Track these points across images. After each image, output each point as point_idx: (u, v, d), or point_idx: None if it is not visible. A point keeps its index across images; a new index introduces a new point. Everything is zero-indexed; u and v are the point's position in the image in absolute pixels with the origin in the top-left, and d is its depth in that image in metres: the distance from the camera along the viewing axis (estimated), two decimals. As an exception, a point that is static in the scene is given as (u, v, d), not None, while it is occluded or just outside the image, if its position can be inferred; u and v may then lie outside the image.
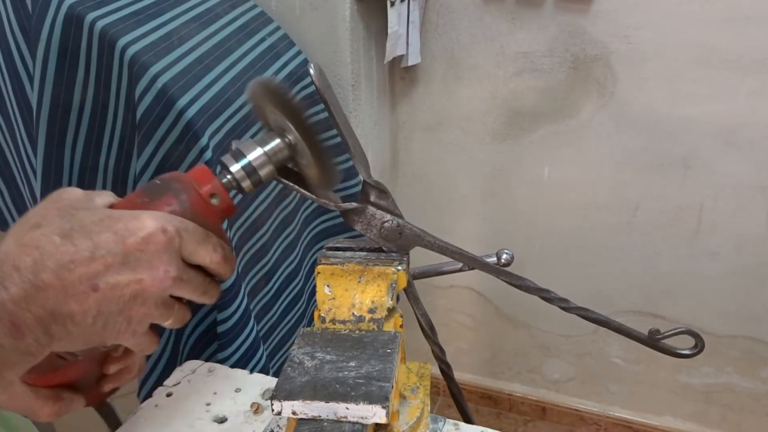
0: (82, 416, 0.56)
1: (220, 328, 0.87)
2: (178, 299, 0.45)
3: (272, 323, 1.06)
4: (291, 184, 0.51)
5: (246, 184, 0.48)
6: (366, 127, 1.28)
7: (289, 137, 0.48)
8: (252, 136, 0.94)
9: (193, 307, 0.47)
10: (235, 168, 0.47)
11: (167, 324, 0.45)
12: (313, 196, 0.51)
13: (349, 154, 0.51)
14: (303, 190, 0.51)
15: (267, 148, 0.48)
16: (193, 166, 0.84)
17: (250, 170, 0.48)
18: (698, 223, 1.34)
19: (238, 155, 0.48)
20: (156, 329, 0.46)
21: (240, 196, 0.51)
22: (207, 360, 0.70)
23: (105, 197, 0.45)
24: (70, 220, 0.41)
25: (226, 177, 0.48)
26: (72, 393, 0.48)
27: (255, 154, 0.48)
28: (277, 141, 0.49)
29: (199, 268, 0.45)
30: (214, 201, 0.46)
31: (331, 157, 0.48)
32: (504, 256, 0.57)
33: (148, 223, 0.41)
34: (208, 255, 0.45)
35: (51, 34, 0.81)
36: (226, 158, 0.48)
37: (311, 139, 0.48)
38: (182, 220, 0.44)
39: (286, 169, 0.52)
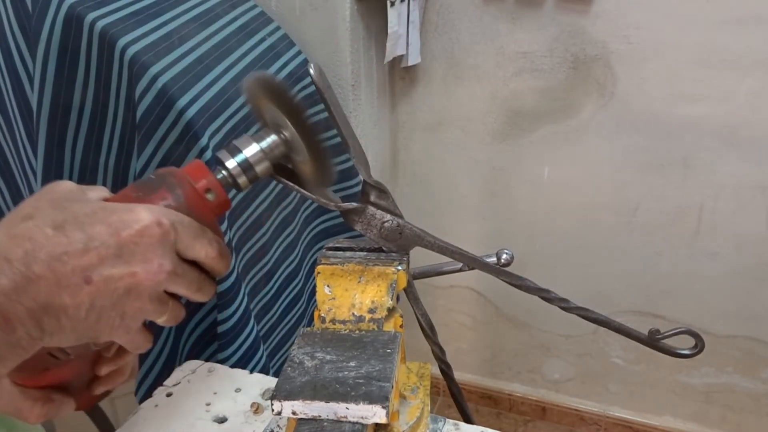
0: (84, 417, 0.56)
1: (220, 328, 0.87)
2: (173, 296, 0.44)
3: (272, 323, 1.06)
4: (291, 184, 0.51)
5: (242, 180, 0.48)
6: (366, 127, 1.28)
7: (285, 133, 0.48)
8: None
9: (190, 305, 0.47)
10: (231, 164, 0.47)
11: (161, 321, 0.44)
12: (313, 196, 0.51)
13: (349, 154, 0.51)
14: (303, 191, 0.51)
15: (263, 143, 0.48)
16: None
17: (246, 166, 0.47)
18: (698, 223, 1.34)
19: (234, 151, 0.47)
20: (150, 327, 0.46)
21: (236, 192, 0.50)
22: (207, 360, 0.70)
23: (98, 191, 0.44)
24: (62, 211, 0.40)
25: (221, 172, 0.47)
26: (62, 395, 0.47)
27: (251, 150, 0.48)
28: (273, 137, 0.48)
29: (194, 264, 0.44)
30: (209, 196, 0.46)
31: (328, 155, 0.48)
32: (504, 256, 0.57)
33: (143, 215, 0.41)
34: (203, 249, 0.44)
35: (51, 34, 0.81)
36: (222, 154, 0.48)
37: (307, 136, 0.47)
38: (177, 214, 0.43)
39: (286, 168, 0.52)
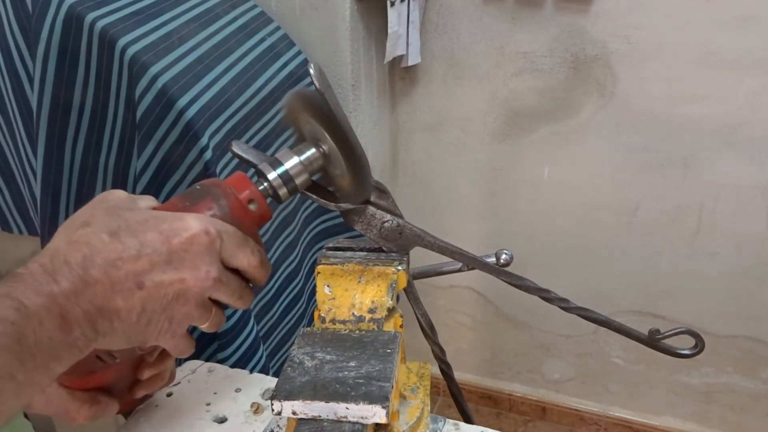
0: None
1: (220, 328, 0.87)
2: (215, 303, 0.46)
3: (272, 323, 1.06)
4: (314, 196, 0.51)
5: (282, 191, 0.49)
6: (366, 127, 1.28)
7: (324, 147, 0.49)
8: (248, 140, 0.94)
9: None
10: (272, 175, 0.49)
11: (204, 327, 0.46)
12: (313, 196, 0.51)
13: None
14: (312, 195, 0.51)
15: (303, 157, 0.49)
16: (194, 167, 0.84)
17: (286, 178, 0.49)
18: (698, 223, 1.34)
19: (275, 163, 0.49)
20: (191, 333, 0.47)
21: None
22: (207, 360, 0.70)
23: (147, 201, 0.46)
24: (117, 219, 0.42)
25: (263, 184, 0.49)
26: (108, 397, 0.49)
27: (291, 163, 0.49)
28: (313, 150, 0.50)
29: (236, 273, 0.46)
30: (251, 207, 0.48)
31: (366, 168, 0.49)
32: (503, 256, 0.57)
33: (193, 224, 0.43)
34: (246, 258, 0.46)
35: (51, 34, 0.81)
36: (264, 166, 0.49)
37: (346, 150, 0.48)
38: (223, 223, 0.45)
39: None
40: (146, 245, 0.41)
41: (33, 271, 0.38)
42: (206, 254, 0.43)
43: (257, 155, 0.52)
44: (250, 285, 0.48)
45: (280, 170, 0.49)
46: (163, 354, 0.52)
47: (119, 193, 0.45)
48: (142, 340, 0.43)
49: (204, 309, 0.45)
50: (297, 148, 0.50)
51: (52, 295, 0.37)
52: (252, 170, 0.51)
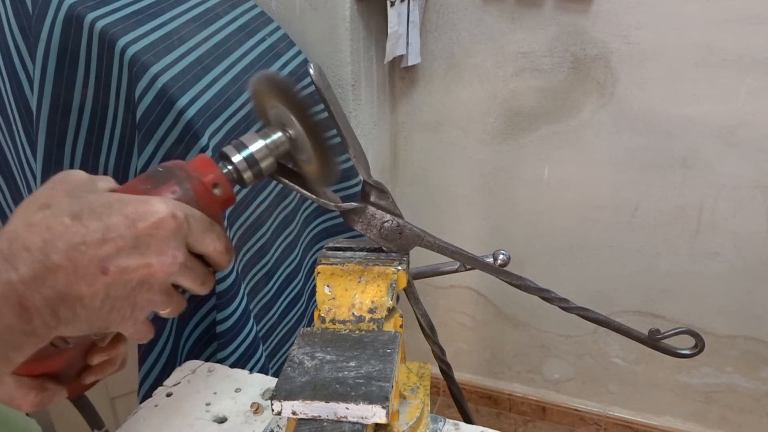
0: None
1: (219, 328, 0.87)
2: (177, 288, 0.45)
3: (272, 323, 1.06)
4: (291, 184, 0.51)
5: (247, 175, 0.48)
6: (366, 127, 1.28)
7: (290, 131, 0.49)
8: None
9: (191, 305, 0.47)
10: (237, 158, 0.48)
11: (165, 313, 0.45)
12: (313, 196, 0.51)
13: (349, 154, 0.51)
14: (303, 190, 0.51)
15: (268, 140, 0.49)
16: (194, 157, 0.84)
17: (251, 161, 0.48)
18: (698, 223, 1.34)
19: (240, 146, 0.48)
20: (153, 323, 0.46)
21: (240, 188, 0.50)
22: (207, 360, 0.70)
23: (107, 182, 0.44)
24: (79, 201, 0.40)
25: (227, 167, 0.48)
26: (56, 384, 0.47)
27: (257, 146, 0.48)
28: (279, 134, 0.49)
29: (199, 258, 0.45)
30: (216, 191, 0.46)
31: (332, 153, 0.48)
32: (500, 257, 0.57)
33: (159, 207, 0.41)
34: (212, 243, 0.44)
35: (51, 34, 0.81)
36: (228, 149, 0.48)
37: (312, 134, 0.48)
38: (189, 207, 0.43)
39: (287, 169, 0.52)
40: (111, 229, 0.39)
41: None
42: (173, 239, 0.41)
43: None
44: (213, 270, 0.47)
45: (245, 153, 0.48)
46: (116, 339, 0.50)
47: (79, 174, 0.43)
48: (104, 327, 0.42)
49: (167, 295, 0.43)
50: (263, 132, 0.49)
51: (10, 282, 0.36)
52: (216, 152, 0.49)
